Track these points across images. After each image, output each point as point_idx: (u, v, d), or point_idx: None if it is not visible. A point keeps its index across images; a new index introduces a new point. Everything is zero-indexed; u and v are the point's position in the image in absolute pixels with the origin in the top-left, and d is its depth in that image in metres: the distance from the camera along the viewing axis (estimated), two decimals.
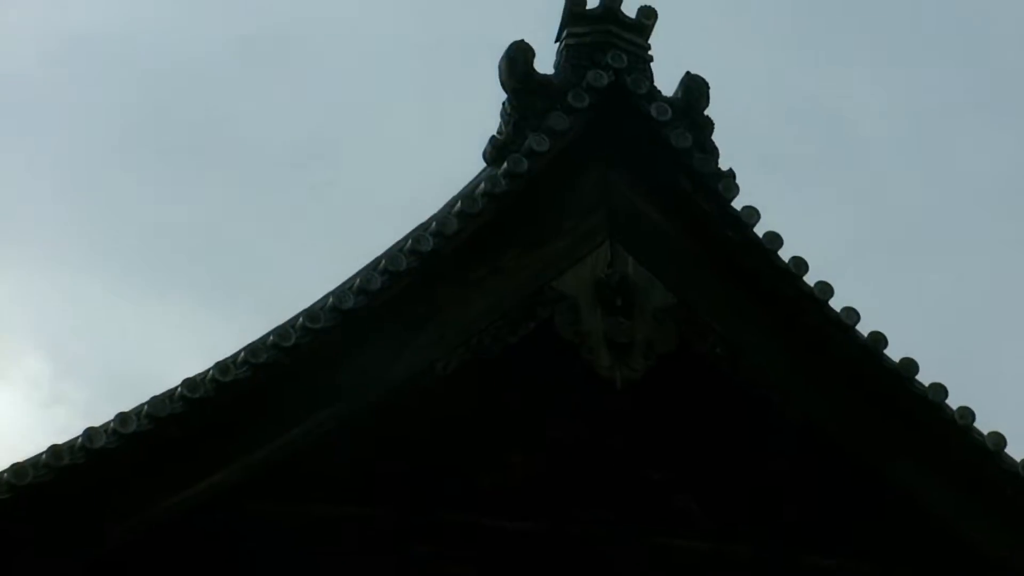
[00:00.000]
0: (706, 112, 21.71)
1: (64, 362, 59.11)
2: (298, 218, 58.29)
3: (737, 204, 21.14)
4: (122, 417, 18.54)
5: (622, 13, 21.75)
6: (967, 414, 20.81)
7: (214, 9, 62.77)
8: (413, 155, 56.55)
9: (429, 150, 53.37)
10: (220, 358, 19.43)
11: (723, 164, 21.79)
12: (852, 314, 20.63)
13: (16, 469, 18.26)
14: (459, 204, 20.59)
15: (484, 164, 21.78)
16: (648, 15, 21.83)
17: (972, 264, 52.73)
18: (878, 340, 20.73)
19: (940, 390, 20.81)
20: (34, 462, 18.28)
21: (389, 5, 61.09)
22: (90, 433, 18.29)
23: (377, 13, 61.34)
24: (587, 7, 21.88)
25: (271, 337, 19.44)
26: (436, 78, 57.94)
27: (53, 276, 57.74)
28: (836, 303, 20.92)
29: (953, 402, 21.03)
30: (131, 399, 19.27)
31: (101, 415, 19.12)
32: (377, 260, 20.46)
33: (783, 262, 20.72)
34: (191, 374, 19.21)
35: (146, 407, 18.74)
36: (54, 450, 18.24)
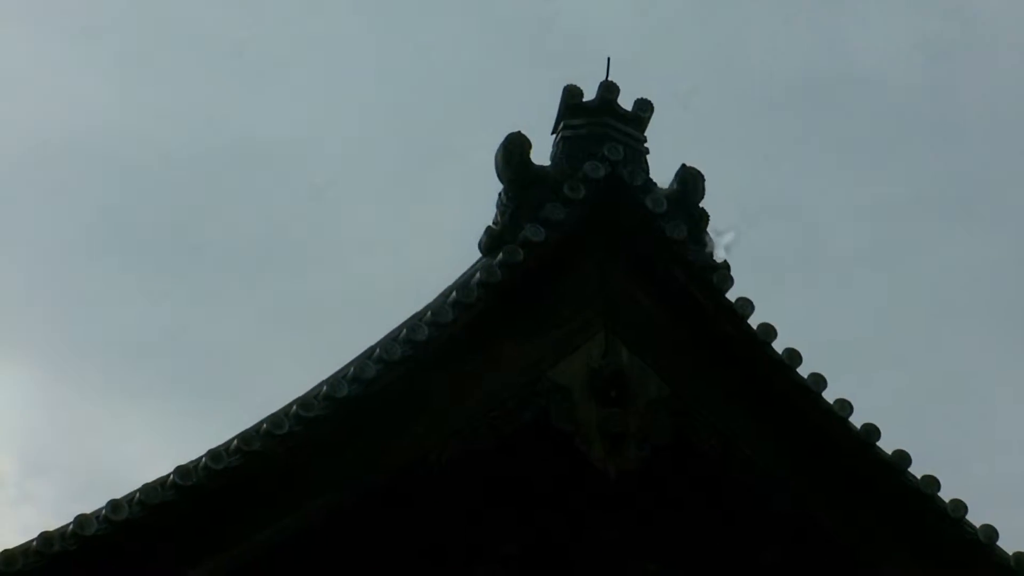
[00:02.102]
0: (701, 204, 21.68)
1: (31, 462, 58.78)
2: (278, 317, 58.02)
3: (731, 295, 21.11)
4: (114, 504, 18.27)
5: (619, 106, 21.68)
6: (960, 507, 20.70)
7: (180, 115, 62.59)
8: (407, 246, 56.17)
9: (425, 240, 52.21)
10: (186, 460, 19.27)
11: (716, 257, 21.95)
12: (845, 406, 20.54)
13: (6, 556, 18.10)
14: (454, 294, 20.48)
15: (480, 254, 21.64)
16: (644, 108, 21.80)
17: (936, 362, 53.23)
18: (871, 432, 20.60)
19: (932, 482, 20.73)
20: (24, 549, 18.09)
21: (377, 94, 60.91)
22: (81, 520, 18.08)
23: (368, 101, 60.88)
24: (584, 99, 21.84)
25: (264, 425, 19.27)
26: (430, 168, 57.92)
27: (22, 376, 57.60)
28: (828, 395, 20.88)
29: (944, 494, 21.01)
30: (99, 499, 18.99)
31: (68, 514, 19.01)
32: (371, 349, 20.33)
33: (777, 354, 20.70)
34: (157, 475, 19.06)
35: (138, 494, 18.52)
36: (44, 536, 18.01)
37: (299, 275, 57.25)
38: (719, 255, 23.74)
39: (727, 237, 22.15)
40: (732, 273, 21.37)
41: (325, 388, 19.69)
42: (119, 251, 58.37)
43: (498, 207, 21.78)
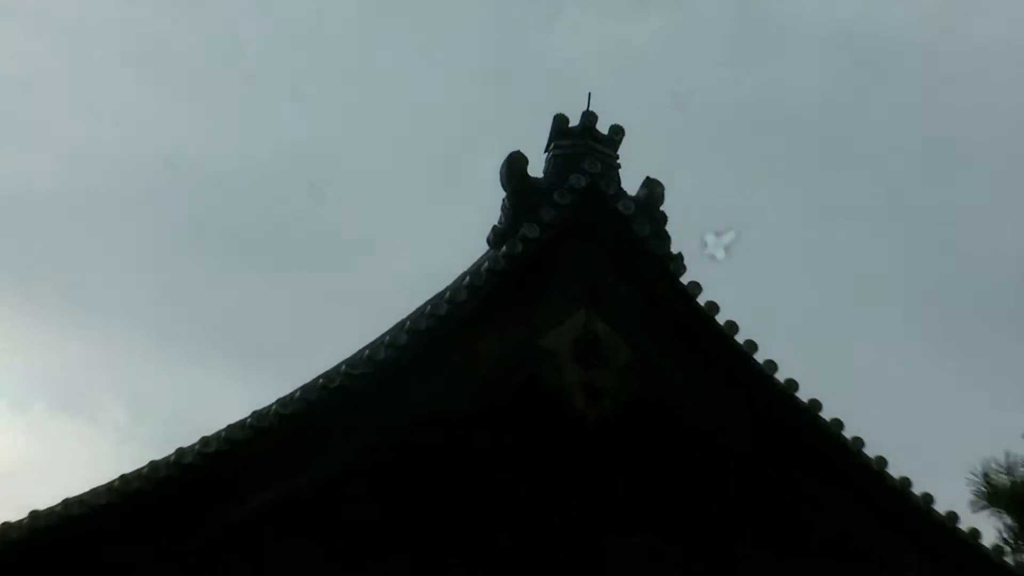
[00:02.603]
0: (661, 207, 24.60)
1: (137, 410, 62.98)
2: (331, 300, 62.06)
3: (684, 280, 24.01)
4: (204, 439, 21.91)
5: (597, 130, 24.67)
6: (882, 462, 23.66)
7: (250, 136, 67.62)
8: (429, 242, 60.20)
9: (443, 237, 55.73)
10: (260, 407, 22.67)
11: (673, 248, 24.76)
12: (771, 364, 23.58)
13: (124, 479, 21.50)
14: (468, 278, 23.62)
15: (487, 247, 24.76)
16: (617, 132, 24.80)
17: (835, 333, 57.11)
18: (791, 383, 23.62)
19: (859, 441, 23.69)
20: (136, 475, 21.56)
21: (407, 123, 66.70)
22: (181, 451, 21.69)
23: (398, 129, 66.51)
24: (569, 125, 24.85)
25: (320, 380, 22.65)
26: (448, 180, 63.10)
27: (132, 343, 62.08)
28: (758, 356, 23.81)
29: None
30: (189, 439, 22.28)
31: (163, 452, 22.27)
32: (403, 321, 23.54)
33: (720, 325, 23.59)
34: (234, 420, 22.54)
35: (224, 432, 22.08)
36: (153, 464, 21.57)
37: (346, 267, 63.39)
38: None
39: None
40: (685, 263, 24.23)
41: (367, 352, 23.11)
42: (211, 246, 64.42)
43: (502, 210, 24.81)
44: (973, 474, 14.55)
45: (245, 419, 22.56)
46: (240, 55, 68.96)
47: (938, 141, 62.62)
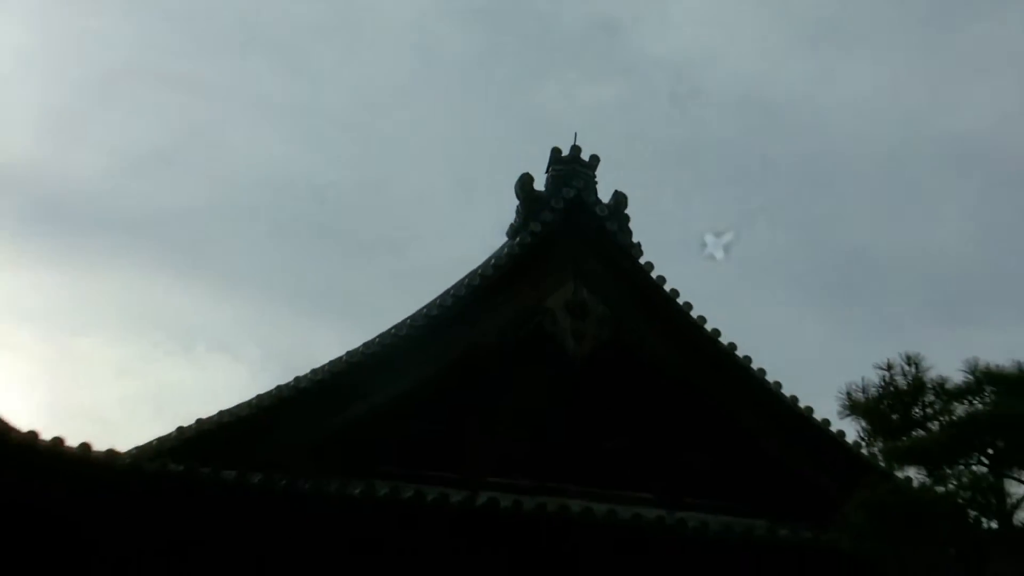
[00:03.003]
0: (625, 211, 26.37)
1: (267, 351, 65.54)
2: (394, 281, 64.47)
3: (641, 260, 25.94)
4: (314, 370, 23.53)
5: (581, 158, 26.66)
6: (778, 384, 25.15)
7: (326, 159, 70.13)
8: (464, 236, 63.09)
9: (476, 232, 60.89)
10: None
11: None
12: (703, 319, 25.14)
13: (260, 397, 23.03)
14: (493, 260, 25.51)
15: (507, 238, 26.47)
16: (594, 159, 26.65)
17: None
18: (716, 331, 25.15)
19: (762, 371, 25.21)
20: (268, 395, 23.08)
21: (448, 153, 69.98)
22: (298, 379, 23.31)
23: (442, 157, 70.07)
24: (562, 154, 26.69)
25: (392, 330, 24.27)
26: (481, 192, 65.79)
27: (266, 304, 65.02)
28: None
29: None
30: (302, 371, 23.83)
31: (284, 380, 23.67)
32: (448, 290, 25.03)
33: (665, 291, 25.41)
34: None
35: (327, 366, 23.59)
36: (279, 388, 23.16)
37: (404, 257, 65.30)
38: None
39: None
40: (644, 250, 26.04)
41: (425, 310, 24.70)
42: (320, 239, 66.82)
43: (516, 213, 26.63)
44: (840, 394, 15.32)
45: (341, 356, 23.96)
46: (334, 107, 72.04)
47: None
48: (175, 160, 65.61)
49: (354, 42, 71.86)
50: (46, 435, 18.77)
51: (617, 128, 66.59)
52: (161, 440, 22.15)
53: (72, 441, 19.03)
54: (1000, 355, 14.57)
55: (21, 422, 18.48)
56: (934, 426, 14.48)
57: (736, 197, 67.69)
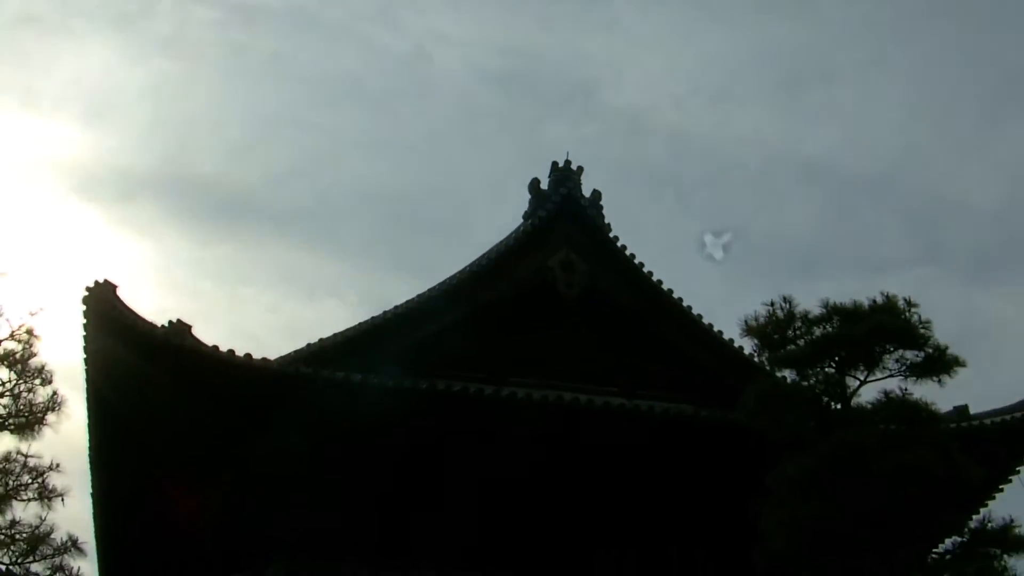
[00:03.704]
0: (600, 203, 26.46)
1: (363, 299, 68.76)
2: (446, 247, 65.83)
3: (611, 234, 25.99)
4: (396, 306, 23.69)
5: (571, 168, 26.57)
6: (700, 317, 24.91)
7: (402, 173, 71.58)
8: (496, 220, 64.44)
9: (506, 212, 57.81)
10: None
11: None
12: (650, 273, 25.04)
13: (362, 323, 23.12)
14: (514, 235, 25.66)
15: (522, 221, 26.34)
16: (580, 169, 26.63)
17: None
18: (659, 282, 25.05)
19: (689, 307, 24.94)
20: (369, 320, 23.27)
21: (471, 160, 70.52)
22: (385, 311, 23.28)
23: (478, 169, 71.40)
24: (559, 166, 26.64)
25: (437, 286, 24.56)
26: (503, 192, 65.46)
27: (358, 265, 67.85)
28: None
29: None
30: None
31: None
32: (485, 253, 25.32)
33: (624, 252, 25.48)
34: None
35: (405, 303, 23.80)
36: (373, 317, 23.23)
37: (455, 233, 66.76)
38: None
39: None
40: (612, 226, 26.07)
41: (468, 267, 24.92)
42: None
43: (529, 204, 26.58)
44: (740, 322, 15.40)
45: (413, 297, 24.29)
46: (405, 140, 73.40)
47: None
48: (307, 174, 71.49)
49: (415, 97, 73.96)
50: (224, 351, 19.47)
51: (594, 150, 68.90)
52: (296, 352, 22.25)
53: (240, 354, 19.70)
54: (841, 297, 14.90)
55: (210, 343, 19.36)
56: (801, 343, 14.64)
57: (670, 197, 71.61)
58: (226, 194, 69.72)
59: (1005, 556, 13.39)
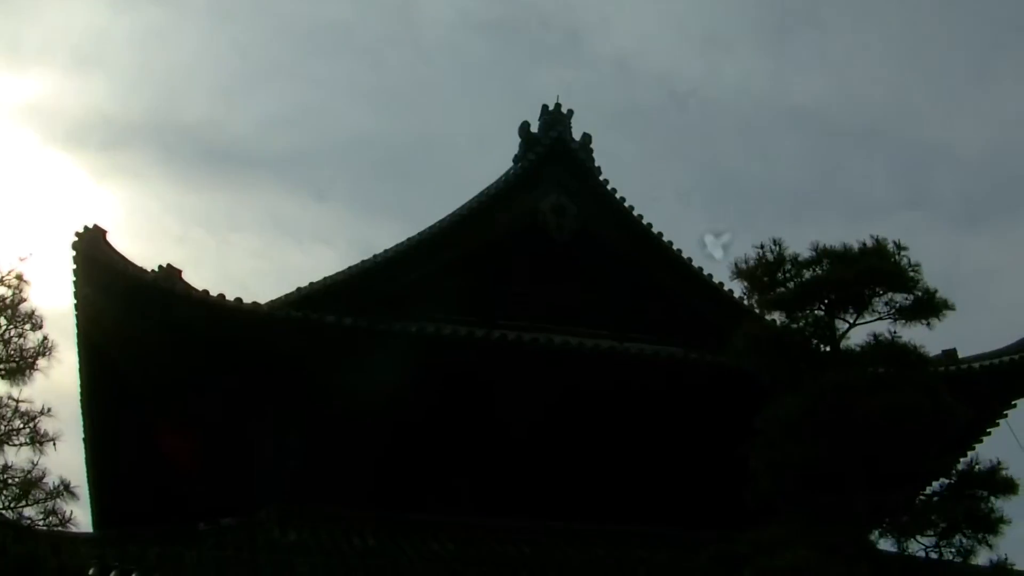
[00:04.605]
0: (590, 146, 26.33)
1: (351, 245, 69.83)
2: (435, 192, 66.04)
3: (601, 178, 25.85)
4: (386, 249, 23.54)
5: (561, 112, 26.43)
6: (690, 260, 24.92)
7: (393, 119, 71.81)
8: (486, 163, 63.97)
9: (496, 158, 57.48)
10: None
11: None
12: (641, 216, 24.97)
13: (351, 267, 23.01)
14: (504, 178, 25.52)
15: (512, 164, 26.18)
16: (570, 112, 26.47)
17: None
18: (650, 225, 24.92)
19: (679, 251, 24.98)
20: (357, 265, 23.20)
21: (476, 106, 70.73)
22: (375, 254, 23.31)
23: (471, 115, 71.77)
24: (549, 109, 26.45)
25: (437, 224, 24.27)
26: (496, 134, 65.48)
27: (347, 211, 67.79)
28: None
29: None
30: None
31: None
32: (475, 196, 25.12)
33: (616, 198, 25.37)
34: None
35: (395, 247, 23.67)
36: (362, 261, 23.22)
37: (445, 177, 66.96)
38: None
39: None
40: (602, 169, 25.85)
41: (459, 210, 24.69)
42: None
43: (520, 148, 26.37)
44: (730, 265, 15.20)
45: (403, 241, 24.15)
46: (397, 88, 72.73)
47: None
48: (296, 121, 71.77)
49: (404, 45, 74.55)
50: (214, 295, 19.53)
51: (584, 94, 68.93)
52: (287, 296, 22.26)
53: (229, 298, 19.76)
54: (829, 242, 14.86)
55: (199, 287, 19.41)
56: (791, 285, 14.58)
57: (658, 143, 72.60)
58: (214, 141, 70.43)
59: (992, 498, 13.45)
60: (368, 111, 74.64)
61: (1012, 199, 66.55)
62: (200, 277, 19.76)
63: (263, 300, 20.71)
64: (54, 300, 18.14)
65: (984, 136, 67.94)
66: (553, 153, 25.85)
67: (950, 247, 65.08)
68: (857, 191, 68.07)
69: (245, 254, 68.77)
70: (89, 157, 67.33)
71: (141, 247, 62.42)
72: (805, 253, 14.63)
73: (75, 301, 19.44)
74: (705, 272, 25.40)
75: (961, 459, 14.28)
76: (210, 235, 69.15)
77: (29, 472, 11.29)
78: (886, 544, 13.54)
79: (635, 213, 25.53)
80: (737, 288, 16.86)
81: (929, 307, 13.95)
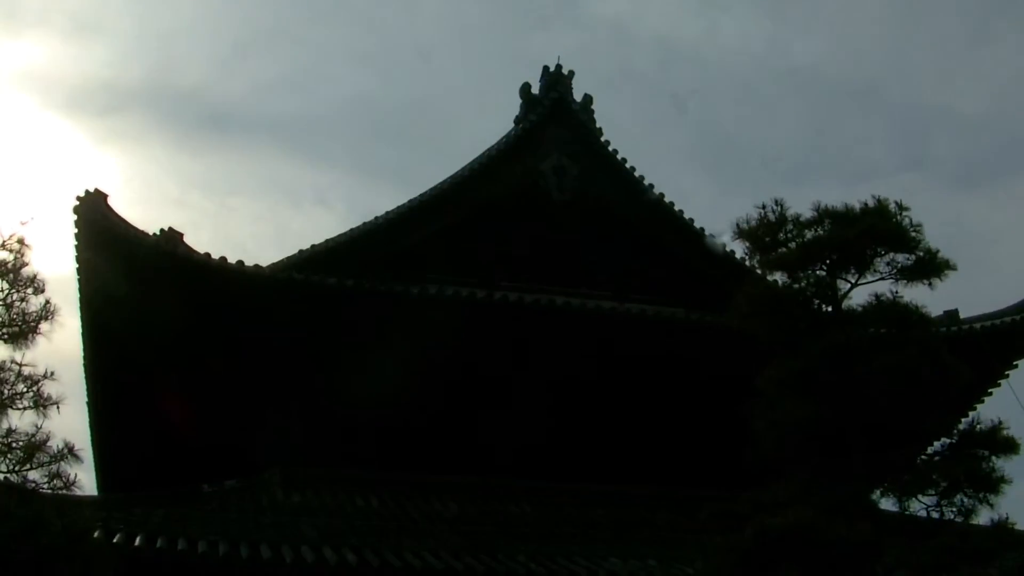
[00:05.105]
0: (591, 106, 26.22)
1: (350, 208, 69.44)
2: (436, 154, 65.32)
3: (602, 139, 25.82)
4: (388, 211, 23.65)
5: (562, 73, 26.24)
6: (691, 220, 24.90)
7: (393, 82, 71.23)
8: (487, 125, 63.60)
9: (497, 120, 56.01)
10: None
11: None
12: (642, 178, 25.02)
13: (353, 229, 23.15)
14: (505, 139, 25.53)
15: (513, 125, 26.05)
16: (571, 73, 26.34)
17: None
18: (651, 186, 24.92)
19: (681, 212, 25.02)
20: (360, 227, 23.34)
21: (475, 74, 70.28)
22: (376, 216, 23.40)
23: (472, 76, 71.35)
24: (550, 70, 26.32)
25: (438, 185, 24.44)
26: (499, 94, 63.53)
27: (346, 175, 67.83)
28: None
29: None
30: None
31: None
32: (476, 158, 25.16)
33: (616, 158, 25.42)
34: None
35: (396, 209, 23.79)
36: (364, 223, 23.27)
37: (445, 140, 66.92)
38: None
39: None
40: (603, 129, 25.93)
41: (460, 172, 24.74)
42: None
43: (520, 109, 26.34)
44: (732, 225, 14.64)
45: (404, 203, 24.21)
46: (396, 53, 71.88)
47: None
48: (295, 85, 71.44)
49: (406, 10, 73.79)
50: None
51: (582, 61, 70.68)
52: (288, 259, 22.38)
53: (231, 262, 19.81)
54: (831, 203, 14.67)
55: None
56: (792, 246, 14.43)
57: (657, 105, 71.51)
58: (213, 106, 70.35)
59: (993, 457, 13.38)
60: (367, 74, 74.52)
61: (1013, 161, 66.35)
62: (200, 241, 19.86)
63: (263, 264, 20.83)
64: (56, 265, 18.29)
65: (984, 97, 67.76)
66: (554, 114, 25.77)
67: (950, 209, 65.12)
68: (856, 153, 68.05)
69: (244, 218, 69.26)
70: (88, 122, 67.65)
71: (140, 212, 62.35)
72: (806, 213, 14.48)
73: (76, 265, 19.52)
74: (706, 233, 25.36)
75: (962, 419, 14.22)
76: (209, 199, 69.55)
77: (33, 436, 11.32)
78: (887, 504, 13.45)
79: (636, 174, 25.46)
80: (739, 249, 16.74)
81: (931, 267, 13.80)
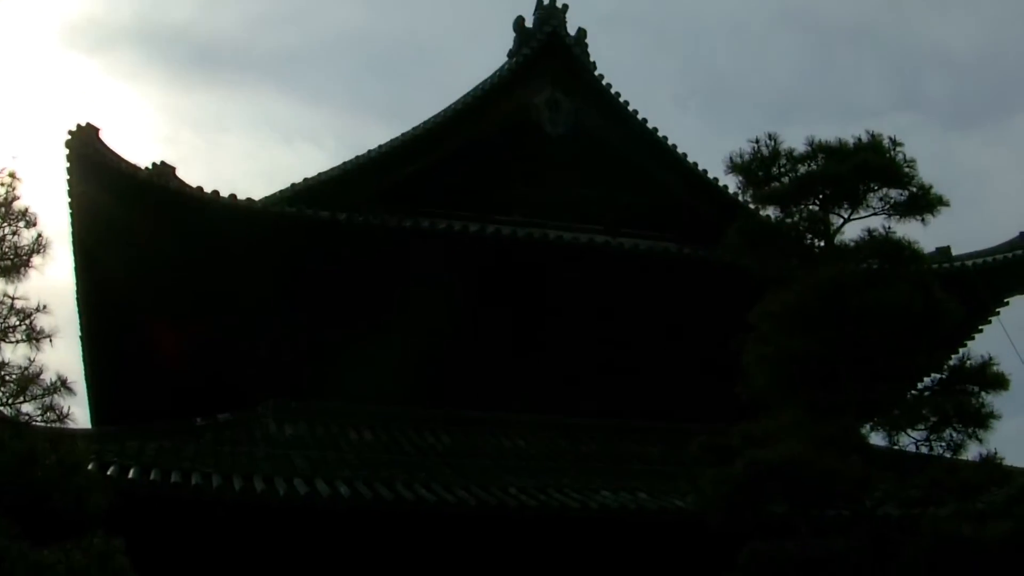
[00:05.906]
0: (585, 41, 25.82)
1: (340, 145, 69.67)
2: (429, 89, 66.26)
3: (596, 74, 25.48)
4: (380, 145, 23.41)
5: (556, 7, 25.80)
6: (684, 155, 24.61)
7: (389, 20, 66.98)
8: (481, 58, 65.19)
9: (490, 54, 57.26)
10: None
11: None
12: (636, 113, 24.89)
13: (346, 162, 22.97)
14: (499, 72, 25.23)
15: (507, 59, 25.82)
16: (565, 7, 25.79)
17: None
18: (645, 120, 24.75)
19: (674, 146, 24.75)
20: (352, 160, 23.14)
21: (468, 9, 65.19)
22: (369, 150, 23.22)
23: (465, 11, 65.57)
24: (545, 3, 25.93)
25: (432, 118, 24.14)
26: (488, 28, 63.90)
27: (336, 112, 67.44)
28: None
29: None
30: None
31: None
32: (470, 91, 24.86)
33: (611, 93, 25.11)
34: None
35: (388, 142, 23.51)
36: (357, 156, 23.05)
37: (439, 74, 68.30)
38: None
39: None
40: (597, 64, 25.50)
41: (453, 105, 24.51)
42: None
43: (514, 43, 26.02)
44: (725, 159, 14.73)
45: (397, 136, 23.97)
46: None
47: None
48: (285, 20, 71.93)
49: None
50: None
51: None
52: (280, 192, 22.27)
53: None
54: (827, 137, 14.72)
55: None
56: (785, 180, 14.44)
57: (650, 43, 72.74)
58: (203, 43, 70.68)
59: (983, 393, 13.44)
60: (357, 8, 74.52)
61: (1005, 100, 66.30)
62: (191, 177, 19.58)
63: (255, 199, 20.76)
64: (48, 201, 18.09)
65: (977, 36, 67.37)
66: (548, 48, 25.47)
67: (943, 148, 65.09)
68: (849, 92, 68.10)
69: (235, 155, 69.55)
70: (80, 59, 67.62)
71: (132, 149, 61.90)
72: (800, 148, 14.46)
73: (69, 200, 19.38)
74: (700, 168, 25.21)
75: (953, 355, 14.27)
76: (200, 136, 70.02)
77: (26, 368, 11.27)
78: (877, 438, 13.57)
79: (630, 108, 25.28)
80: (732, 183, 16.52)
81: (924, 203, 13.81)
